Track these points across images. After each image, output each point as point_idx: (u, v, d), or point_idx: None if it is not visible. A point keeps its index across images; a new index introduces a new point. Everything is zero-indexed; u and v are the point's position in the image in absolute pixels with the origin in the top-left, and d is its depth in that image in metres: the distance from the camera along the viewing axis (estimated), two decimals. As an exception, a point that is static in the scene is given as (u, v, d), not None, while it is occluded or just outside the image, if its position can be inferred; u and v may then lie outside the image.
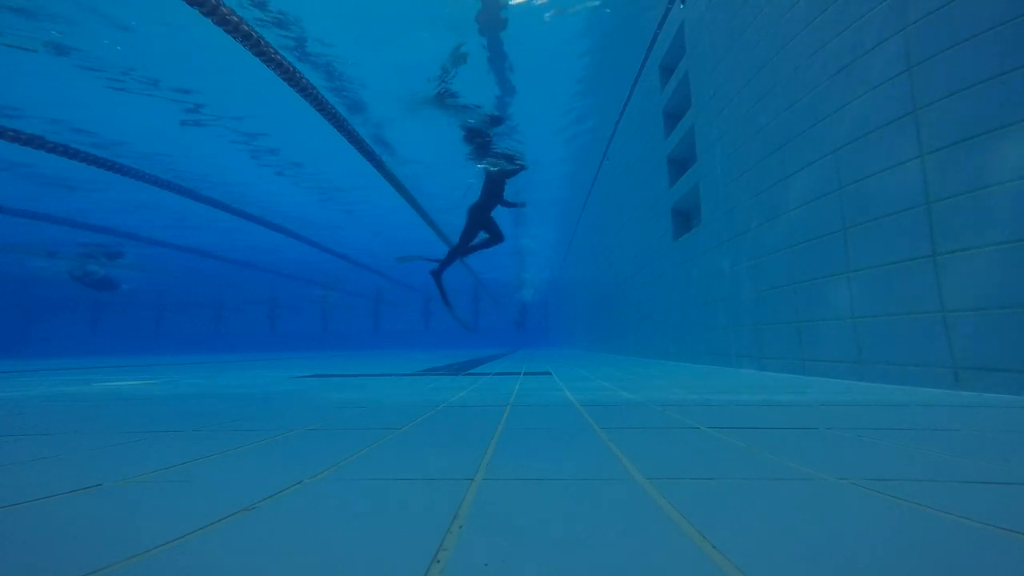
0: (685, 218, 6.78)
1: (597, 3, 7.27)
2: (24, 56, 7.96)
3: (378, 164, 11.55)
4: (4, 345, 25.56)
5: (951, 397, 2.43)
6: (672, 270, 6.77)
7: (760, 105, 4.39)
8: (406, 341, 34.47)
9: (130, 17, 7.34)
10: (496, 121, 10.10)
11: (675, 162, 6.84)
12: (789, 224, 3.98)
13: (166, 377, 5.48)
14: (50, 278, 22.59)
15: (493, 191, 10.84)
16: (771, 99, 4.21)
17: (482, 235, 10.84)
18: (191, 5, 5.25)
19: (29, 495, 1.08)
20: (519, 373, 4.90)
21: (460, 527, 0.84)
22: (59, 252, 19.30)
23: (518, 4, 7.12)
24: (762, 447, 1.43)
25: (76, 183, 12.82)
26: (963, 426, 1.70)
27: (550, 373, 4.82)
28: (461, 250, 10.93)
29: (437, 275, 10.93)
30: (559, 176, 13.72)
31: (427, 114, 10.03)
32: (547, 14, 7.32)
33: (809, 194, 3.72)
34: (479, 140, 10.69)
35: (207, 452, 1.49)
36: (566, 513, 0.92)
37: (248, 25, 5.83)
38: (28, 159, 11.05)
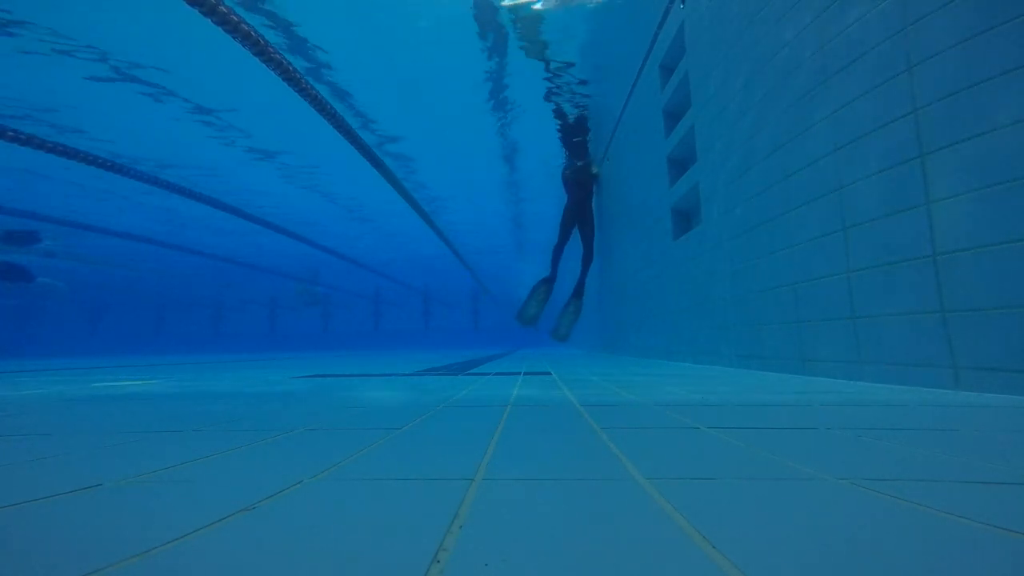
0: (685, 218, 6.77)
1: (598, 2, 7.28)
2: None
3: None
4: (3, 345, 25.53)
5: (951, 397, 2.43)
6: (672, 270, 6.77)
7: (760, 104, 4.39)
8: (406, 341, 34.45)
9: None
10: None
11: (675, 162, 6.84)
12: (789, 224, 3.97)
13: (166, 377, 5.48)
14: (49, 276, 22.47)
15: (568, 196, 10.96)
16: (771, 99, 4.21)
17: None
18: (191, 5, 5.25)
19: (29, 495, 1.08)
20: (519, 373, 4.90)
21: (460, 527, 0.84)
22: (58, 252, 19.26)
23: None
24: (762, 447, 1.43)
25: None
26: (963, 426, 1.70)
27: (550, 373, 4.82)
28: (556, 256, 11.06)
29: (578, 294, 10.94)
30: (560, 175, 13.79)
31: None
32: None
33: (810, 194, 3.72)
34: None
35: (207, 452, 1.49)
36: (566, 513, 0.92)
37: (248, 25, 5.83)
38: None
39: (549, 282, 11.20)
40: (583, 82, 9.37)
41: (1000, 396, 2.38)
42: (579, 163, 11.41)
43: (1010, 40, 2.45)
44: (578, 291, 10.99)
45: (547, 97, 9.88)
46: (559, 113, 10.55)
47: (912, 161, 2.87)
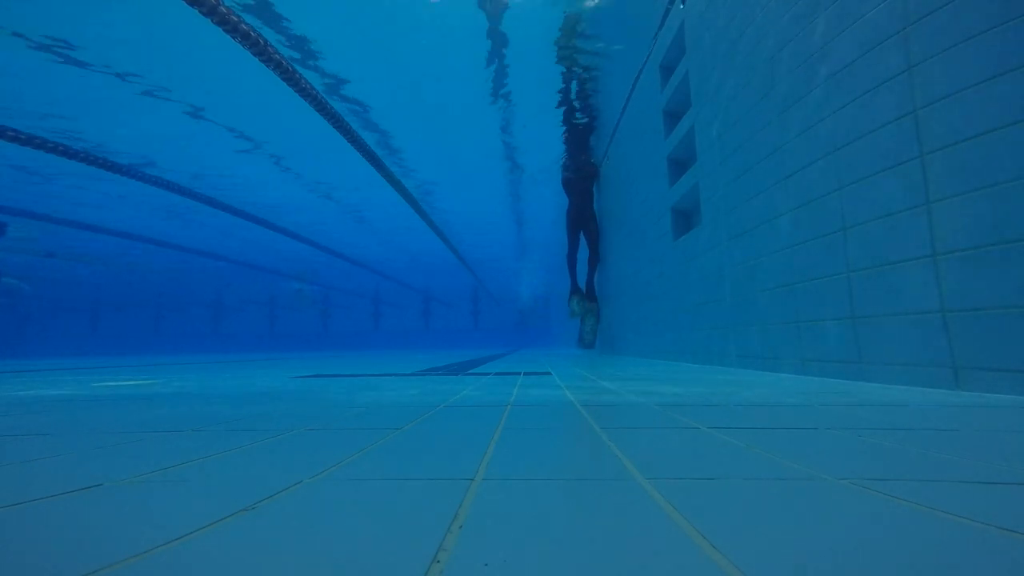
0: (685, 218, 6.77)
1: (596, 3, 7.28)
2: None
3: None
4: (2, 345, 25.50)
5: (951, 397, 2.43)
6: (672, 270, 6.77)
7: (760, 105, 4.39)
8: (406, 341, 34.46)
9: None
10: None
11: (675, 162, 6.84)
12: (789, 224, 3.97)
13: (165, 377, 5.48)
14: (48, 276, 22.48)
15: (570, 199, 10.97)
16: (771, 99, 4.21)
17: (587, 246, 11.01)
18: (191, 5, 5.25)
19: (29, 495, 1.08)
20: (519, 373, 4.90)
21: (460, 527, 0.84)
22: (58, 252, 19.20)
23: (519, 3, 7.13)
24: (762, 447, 1.43)
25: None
26: (963, 426, 1.70)
27: (550, 373, 4.82)
28: (571, 261, 11.08)
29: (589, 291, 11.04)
30: (559, 175, 13.80)
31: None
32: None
33: (809, 194, 3.72)
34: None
35: (207, 452, 1.49)
36: (566, 513, 0.92)
37: (247, 25, 5.82)
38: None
39: (575, 292, 11.23)
40: (583, 81, 9.37)
41: (1000, 396, 2.38)
42: (579, 163, 11.41)
43: (1005, 41, 2.46)
44: (591, 295, 10.95)
45: (547, 97, 9.89)
46: (560, 112, 10.56)
47: (912, 161, 2.87)
